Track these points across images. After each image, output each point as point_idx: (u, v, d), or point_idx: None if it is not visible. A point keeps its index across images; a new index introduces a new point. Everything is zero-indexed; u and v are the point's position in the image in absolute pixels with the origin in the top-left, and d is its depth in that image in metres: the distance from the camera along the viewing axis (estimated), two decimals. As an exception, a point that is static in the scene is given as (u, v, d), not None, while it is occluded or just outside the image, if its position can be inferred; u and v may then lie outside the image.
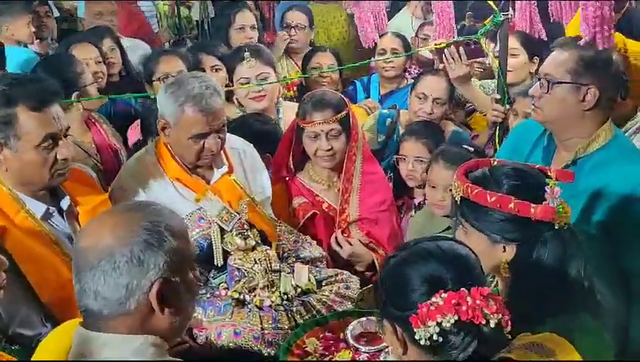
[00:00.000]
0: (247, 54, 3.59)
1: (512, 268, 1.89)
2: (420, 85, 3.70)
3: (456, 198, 1.95)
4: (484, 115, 3.58)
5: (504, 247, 1.90)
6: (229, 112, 3.60)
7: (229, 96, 3.63)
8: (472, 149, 3.17)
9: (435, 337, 1.51)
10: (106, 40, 4.30)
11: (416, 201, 3.41)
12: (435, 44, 3.45)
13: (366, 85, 4.44)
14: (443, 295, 1.52)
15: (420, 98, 3.66)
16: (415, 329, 1.53)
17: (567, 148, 2.52)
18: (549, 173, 1.93)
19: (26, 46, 4.41)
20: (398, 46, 4.33)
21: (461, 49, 3.42)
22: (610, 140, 2.47)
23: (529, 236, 1.86)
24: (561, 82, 2.43)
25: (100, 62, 3.89)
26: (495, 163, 2.03)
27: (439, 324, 1.50)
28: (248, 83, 3.59)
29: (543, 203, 1.83)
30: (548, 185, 1.87)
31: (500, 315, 1.53)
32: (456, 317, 1.50)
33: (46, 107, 2.27)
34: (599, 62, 2.43)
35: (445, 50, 3.42)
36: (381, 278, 1.69)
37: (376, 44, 4.16)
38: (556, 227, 1.85)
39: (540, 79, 2.51)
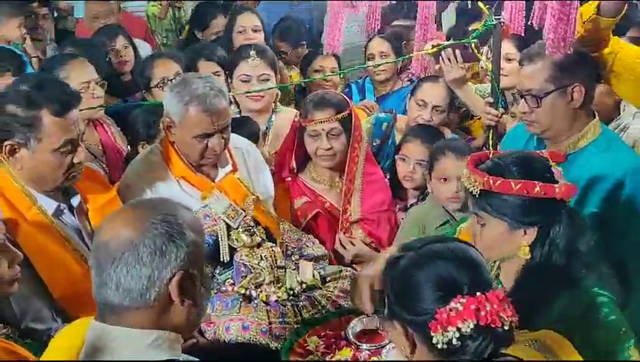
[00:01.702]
0: (252, 52, 3.58)
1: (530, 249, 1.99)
2: (420, 92, 3.70)
3: (475, 192, 2.00)
4: (479, 119, 3.59)
5: (524, 231, 1.99)
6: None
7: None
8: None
9: (454, 342, 1.50)
10: (119, 38, 4.30)
11: (408, 203, 3.43)
12: (433, 46, 3.46)
13: (361, 87, 4.45)
14: (462, 300, 1.52)
15: (420, 105, 3.66)
16: (433, 334, 1.52)
17: (557, 148, 2.57)
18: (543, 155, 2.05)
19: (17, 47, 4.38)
20: (386, 49, 4.33)
21: (457, 51, 3.44)
22: (599, 136, 2.55)
23: (549, 216, 1.97)
24: (548, 93, 2.49)
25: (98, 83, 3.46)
26: (492, 155, 2.10)
27: (459, 330, 1.50)
28: (249, 81, 3.58)
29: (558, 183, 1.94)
30: (551, 166, 1.98)
31: (513, 318, 1.55)
32: (475, 322, 1.50)
33: (68, 112, 2.31)
34: (574, 60, 2.48)
35: (442, 52, 3.44)
36: (389, 280, 1.67)
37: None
38: (565, 205, 1.96)
39: (522, 96, 2.56)
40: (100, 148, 3.51)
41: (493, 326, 1.51)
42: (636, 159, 2.61)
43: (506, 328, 1.53)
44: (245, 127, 3.35)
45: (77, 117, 2.35)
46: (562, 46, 2.36)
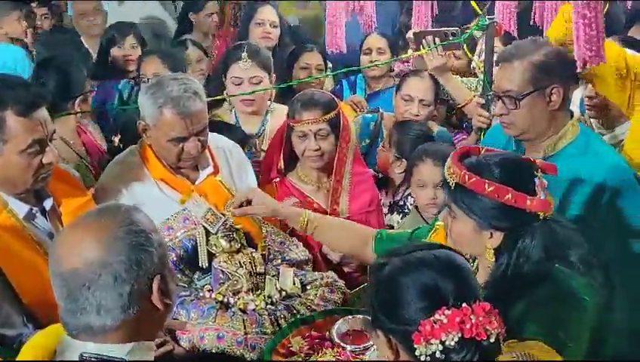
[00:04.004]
0: (244, 54, 3.50)
1: (496, 254, 1.95)
2: (405, 87, 3.73)
3: (451, 184, 1.97)
4: (462, 107, 3.64)
5: (491, 234, 1.95)
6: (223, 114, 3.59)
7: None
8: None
9: (437, 355, 1.48)
10: (129, 37, 4.33)
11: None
12: (414, 33, 3.45)
13: (352, 84, 4.42)
14: (446, 312, 1.49)
15: (406, 100, 3.70)
16: (416, 346, 1.49)
17: (537, 149, 2.54)
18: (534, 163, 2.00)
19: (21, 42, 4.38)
20: (383, 46, 4.31)
21: (437, 39, 3.42)
22: (578, 136, 2.51)
23: (518, 225, 1.92)
24: (527, 94, 2.45)
25: None
26: (483, 151, 2.07)
27: (442, 343, 1.47)
28: (240, 84, 3.50)
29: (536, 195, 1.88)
30: (537, 176, 1.92)
31: (500, 329, 1.52)
32: (460, 335, 1.47)
33: (33, 112, 2.25)
34: (553, 61, 2.45)
35: (423, 40, 3.44)
36: (374, 287, 1.64)
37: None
38: (541, 218, 1.90)
39: (499, 98, 2.51)
40: (84, 148, 3.46)
41: (478, 338, 1.48)
42: (616, 158, 2.57)
43: (492, 340, 1.50)
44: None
45: (44, 117, 2.29)
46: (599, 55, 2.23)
